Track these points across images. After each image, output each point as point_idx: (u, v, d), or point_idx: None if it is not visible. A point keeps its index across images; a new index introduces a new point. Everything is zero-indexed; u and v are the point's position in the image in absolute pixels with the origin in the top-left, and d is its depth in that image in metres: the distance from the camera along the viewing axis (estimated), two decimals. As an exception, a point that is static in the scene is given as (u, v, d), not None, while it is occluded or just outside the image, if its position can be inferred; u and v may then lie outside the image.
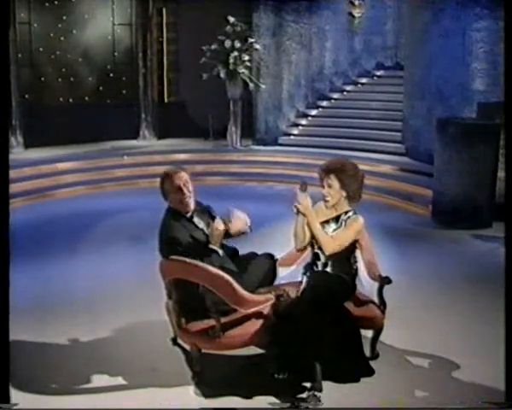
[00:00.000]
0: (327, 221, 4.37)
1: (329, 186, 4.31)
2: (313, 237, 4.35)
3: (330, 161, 4.45)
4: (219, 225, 4.20)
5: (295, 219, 4.39)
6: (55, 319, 5.21)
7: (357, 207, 4.51)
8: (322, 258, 4.37)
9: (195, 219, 4.34)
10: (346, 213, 4.37)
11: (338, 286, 4.27)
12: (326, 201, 4.35)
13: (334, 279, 4.30)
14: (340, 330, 4.10)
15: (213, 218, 4.34)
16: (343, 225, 4.33)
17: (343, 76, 13.03)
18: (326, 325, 4.02)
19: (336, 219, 4.37)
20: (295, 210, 4.28)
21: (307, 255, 4.54)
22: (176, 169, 4.44)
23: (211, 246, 4.21)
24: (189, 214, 4.32)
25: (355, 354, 4.21)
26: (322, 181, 4.37)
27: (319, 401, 3.88)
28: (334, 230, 4.34)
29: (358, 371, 4.20)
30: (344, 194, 4.32)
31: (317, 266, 4.42)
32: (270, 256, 4.52)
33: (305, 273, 4.44)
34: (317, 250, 4.40)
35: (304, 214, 4.28)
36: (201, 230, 4.33)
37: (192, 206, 4.33)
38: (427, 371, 4.39)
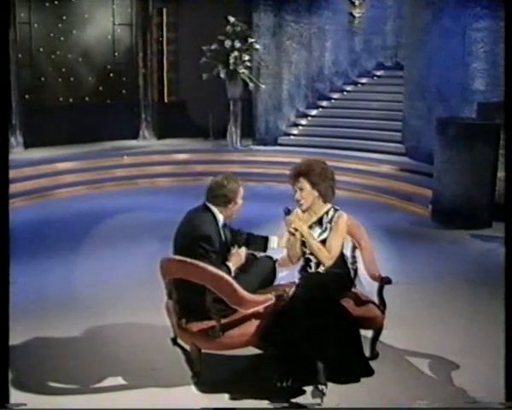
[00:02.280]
0: (310, 226, 4.40)
1: (301, 189, 4.35)
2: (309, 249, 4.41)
3: (296, 164, 4.46)
4: (243, 255, 4.33)
5: (287, 236, 4.45)
6: (55, 319, 5.21)
7: (357, 207, 4.52)
8: (314, 260, 4.42)
9: (222, 231, 4.33)
10: (327, 213, 4.41)
11: (331, 282, 4.29)
12: (300, 205, 4.37)
13: (326, 277, 4.33)
14: (339, 330, 4.09)
15: (238, 240, 4.43)
16: (328, 228, 4.37)
17: (343, 76, 13.03)
18: (323, 323, 4.01)
19: (319, 222, 4.41)
20: (292, 231, 4.32)
21: None
22: (239, 180, 4.40)
23: (228, 263, 4.24)
24: (221, 223, 4.30)
25: (355, 354, 4.21)
26: (293, 187, 4.40)
27: (324, 394, 3.87)
28: (320, 233, 4.38)
29: (358, 371, 4.20)
30: (316, 194, 4.35)
31: (310, 268, 4.46)
32: (270, 259, 4.52)
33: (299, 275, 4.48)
34: (308, 256, 4.45)
35: (301, 234, 4.34)
36: (225, 243, 4.33)
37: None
38: (427, 371, 4.38)
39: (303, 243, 4.43)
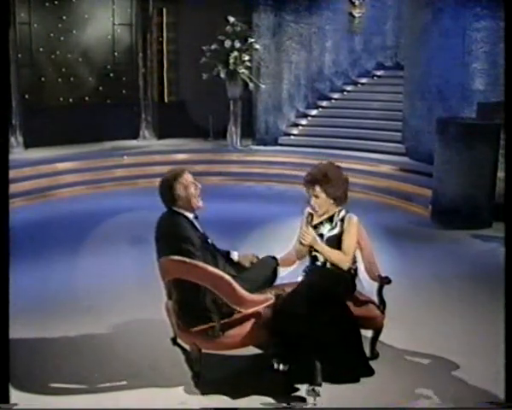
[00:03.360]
0: (321, 222, 4.48)
1: (316, 197, 4.41)
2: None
3: (313, 171, 4.47)
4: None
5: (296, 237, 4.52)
6: (55, 319, 5.21)
7: (357, 207, 4.55)
8: (321, 258, 4.45)
9: (196, 223, 4.32)
10: (338, 213, 4.48)
11: (335, 279, 4.31)
12: (315, 211, 4.45)
13: (331, 273, 4.36)
14: (339, 329, 4.10)
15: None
16: (338, 226, 4.43)
17: (343, 76, 13.03)
18: (324, 320, 4.02)
19: (330, 219, 4.48)
20: (304, 243, 4.36)
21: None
22: (179, 171, 4.32)
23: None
24: (192, 216, 4.27)
25: (355, 353, 4.21)
26: (307, 191, 4.45)
27: (318, 395, 3.89)
28: (330, 230, 4.45)
29: (358, 371, 4.20)
30: (331, 201, 4.43)
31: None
32: (273, 259, 4.51)
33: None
34: (314, 253, 4.47)
35: (313, 248, 4.41)
36: (203, 233, 4.31)
37: (201, 204, 4.30)
38: (426, 372, 4.38)
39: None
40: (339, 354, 4.09)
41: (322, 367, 3.96)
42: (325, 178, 4.37)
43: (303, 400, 3.92)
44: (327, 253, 4.37)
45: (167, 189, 4.24)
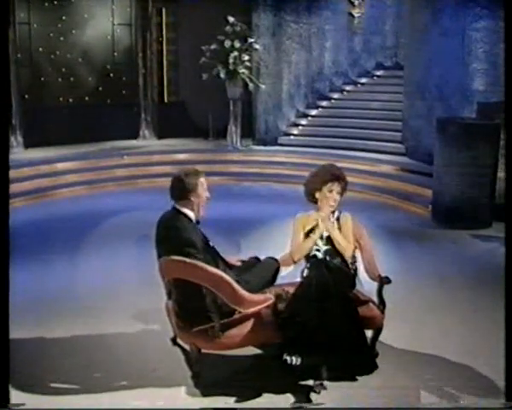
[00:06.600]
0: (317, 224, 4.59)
1: (338, 193, 4.58)
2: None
3: (338, 168, 4.68)
4: None
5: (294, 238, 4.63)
6: (55, 319, 5.22)
7: (357, 207, 4.59)
8: (320, 255, 4.52)
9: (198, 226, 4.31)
10: (333, 213, 4.64)
11: (343, 272, 4.42)
12: (331, 206, 4.58)
13: (337, 267, 4.44)
14: (348, 322, 4.10)
15: None
16: (335, 224, 4.59)
17: (343, 76, 13.04)
18: (335, 313, 4.03)
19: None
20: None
21: None
22: (198, 170, 4.34)
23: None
24: (194, 220, 4.27)
25: (361, 344, 4.20)
26: (331, 185, 4.55)
27: (325, 388, 3.96)
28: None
29: (362, 362, 4.21)
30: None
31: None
32: (274, 259, 4.49)
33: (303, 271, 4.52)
34: (314, 252, 4.54)
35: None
36: (204, 235, 4.31)
37: (202, 213, 4.30)
38: (426, 371, 4.38)
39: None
40: (346, 347, 4.09)
41: (328, 362, 4.01)
42: (345, 176, 4.62)
43: (306, 398, 3.94)
44: (337, 237, 4.52)
45: (185, 182, 4.22)
